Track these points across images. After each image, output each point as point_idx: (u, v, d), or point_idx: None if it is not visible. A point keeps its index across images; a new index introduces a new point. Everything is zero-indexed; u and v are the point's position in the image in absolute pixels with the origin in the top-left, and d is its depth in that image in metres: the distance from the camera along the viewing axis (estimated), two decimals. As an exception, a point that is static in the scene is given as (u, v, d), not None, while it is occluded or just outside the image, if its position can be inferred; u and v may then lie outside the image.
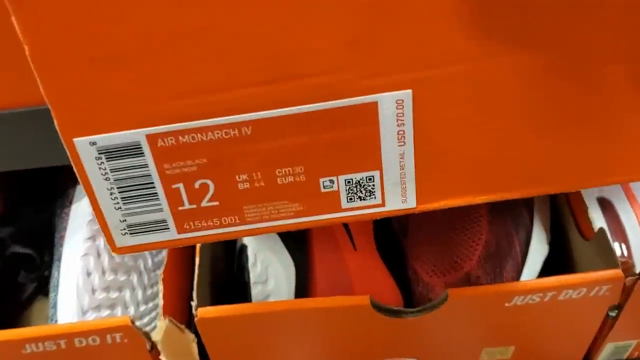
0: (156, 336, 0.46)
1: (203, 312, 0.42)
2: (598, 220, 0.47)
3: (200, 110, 0.23)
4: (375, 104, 0.23)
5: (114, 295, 0.52)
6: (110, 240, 0.26)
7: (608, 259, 0.43)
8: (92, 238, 0.52)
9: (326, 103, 0.23)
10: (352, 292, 0.48)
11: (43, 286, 0.56)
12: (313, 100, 0.23)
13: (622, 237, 0.48)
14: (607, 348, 0.49)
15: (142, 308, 0.53)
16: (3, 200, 0.58)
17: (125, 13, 0.21)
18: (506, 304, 0.42)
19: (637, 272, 0.42)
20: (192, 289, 0.44)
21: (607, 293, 0.42)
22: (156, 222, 0.26)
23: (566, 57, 0.23)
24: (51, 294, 0.52)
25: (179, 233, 0.26)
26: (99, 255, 0.52)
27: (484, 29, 0.22)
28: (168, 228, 0.26)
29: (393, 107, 0.23)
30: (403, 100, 0.23)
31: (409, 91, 0.23)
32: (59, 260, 0.53)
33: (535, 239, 0.48)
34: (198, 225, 0.26)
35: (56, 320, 0.51)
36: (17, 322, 0.58)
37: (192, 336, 0.48)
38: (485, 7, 0.21)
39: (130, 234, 0.26)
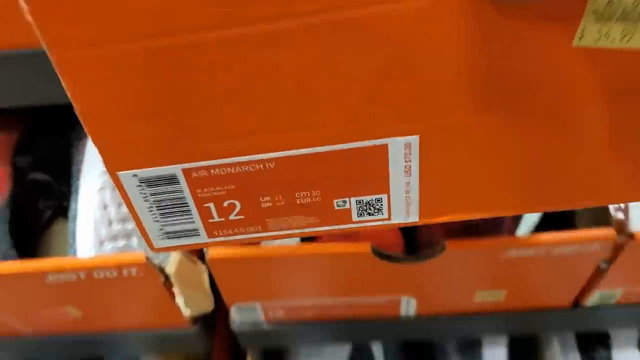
0: (169, 269, 0.51)
1: (214, 253, 0.47)
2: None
3: (229, 151, 0.27)
4: (385, 146, 0.28)
5: (130, 226, 0.56)
6: (149, 242, 0.31)
7: (603, 216, 0.48)
8: (108, 171, 0.55)
9: (341, 145, 0.27)
10: (357, 233, 0.52)
11: (61, 211, 0.60)
12: (330, 143, 0.27)
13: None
14: (595, 295, 0.54)
15: (157, 237, 0.58)
16: (20, 131, 0.61)
17: (160, 77, 0.24)
18: (501, 256, 0.47)
19: (630, 231, 0.46)
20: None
21: (599, 249, 0.47)
22: (190, 230, 0.31)
23: (557, 113, 0.27)
24: (70, 224, 0.56)
25: (209, 238, 0.32)
26: (114, 188, 0.55)
27: (481, 87, 0.26)
28: (199, 234, 0.31)
29: (401, 149, 0.28)
30: (411, 144, 0.27)
31: (416, 136, 0.27)
32: (77, 192, 0.57)
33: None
34: (226, 233, 0.31)
35: (75, 249, 0.56)
36: (38, 243, 0.62)
37: (203, 267, 0.52)
38: (482, 69, 0.25)
39: (168, 238, 0.31)
